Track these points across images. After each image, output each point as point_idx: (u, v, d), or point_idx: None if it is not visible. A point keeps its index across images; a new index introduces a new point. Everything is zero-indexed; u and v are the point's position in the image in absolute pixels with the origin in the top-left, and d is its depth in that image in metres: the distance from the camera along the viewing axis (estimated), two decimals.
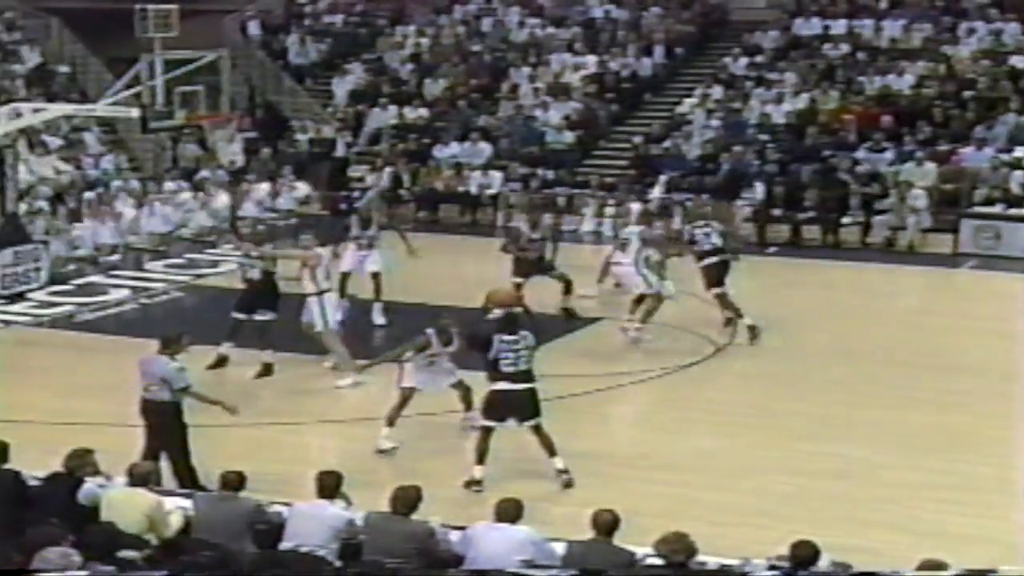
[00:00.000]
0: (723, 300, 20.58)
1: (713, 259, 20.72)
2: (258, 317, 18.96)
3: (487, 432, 15.05)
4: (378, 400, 17.23)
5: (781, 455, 16.05)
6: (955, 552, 10.77)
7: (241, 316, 19.08)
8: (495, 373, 15.04)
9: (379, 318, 21.59)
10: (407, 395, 16.16)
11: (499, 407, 15.03)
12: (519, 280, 21.53)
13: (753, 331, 20.29)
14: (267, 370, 18.81)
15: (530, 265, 21.74)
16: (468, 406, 16.51)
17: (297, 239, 19.81)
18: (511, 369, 15.02)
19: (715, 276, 20.62)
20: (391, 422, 16.06)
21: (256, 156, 33.33)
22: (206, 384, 16.15)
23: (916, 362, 19.71)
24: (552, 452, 15.05)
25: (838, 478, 15.21)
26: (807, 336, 18.91)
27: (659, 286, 20.43)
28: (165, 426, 14.32)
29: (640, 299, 20.63)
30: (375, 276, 21.73)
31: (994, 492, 14.75)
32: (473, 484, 14.73)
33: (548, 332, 20.80)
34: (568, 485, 14.83)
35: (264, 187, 31.62)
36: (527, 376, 15.09)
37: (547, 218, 24.97)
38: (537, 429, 15.10)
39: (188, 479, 14.04)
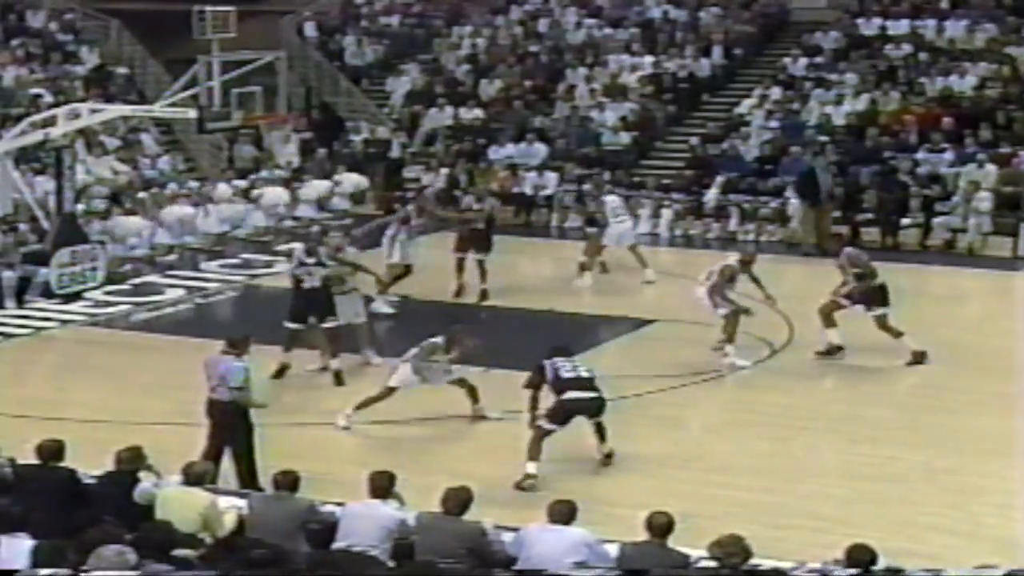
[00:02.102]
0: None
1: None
2: (325, 325, 18.67)
3: (547, 434, 15.08)
4: (431, 401, 17.22)
5: (838, 459, 16.00)
6: (1015, 558, 10.64)
7: (296, 326, 18.80)
8: (561, 385, 15.35)
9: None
10: (387, 394, 16.69)
11: (568, 413, 15.30)
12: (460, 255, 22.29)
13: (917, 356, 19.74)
14: (282, 371, 18.65)
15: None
16: (475, 399, 17.04)
17: (327, 238, 19.71)
18: (573, 375, 15.42)
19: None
20: (362, 407, 16.69)
21: (312, 157, 33.33)
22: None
23: (976, 365, 19.55)
24: (603, 439, 15.47)
25: (897, 482, 15.13)
26: (866, 339, 18.73)
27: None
28: (231, 426, 14.39)
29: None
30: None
31: None
32: (528, 479, 14.82)
33: (600, 332, 20.96)
34: (607, 464, 15.37)
35: (321, 184, 31.59)
36: (591, 383, 15.45)
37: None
38: (599, 425, 15.48)
39: (249, 479, 14.05)
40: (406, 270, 22.46)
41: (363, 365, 19.21)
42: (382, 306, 21.69)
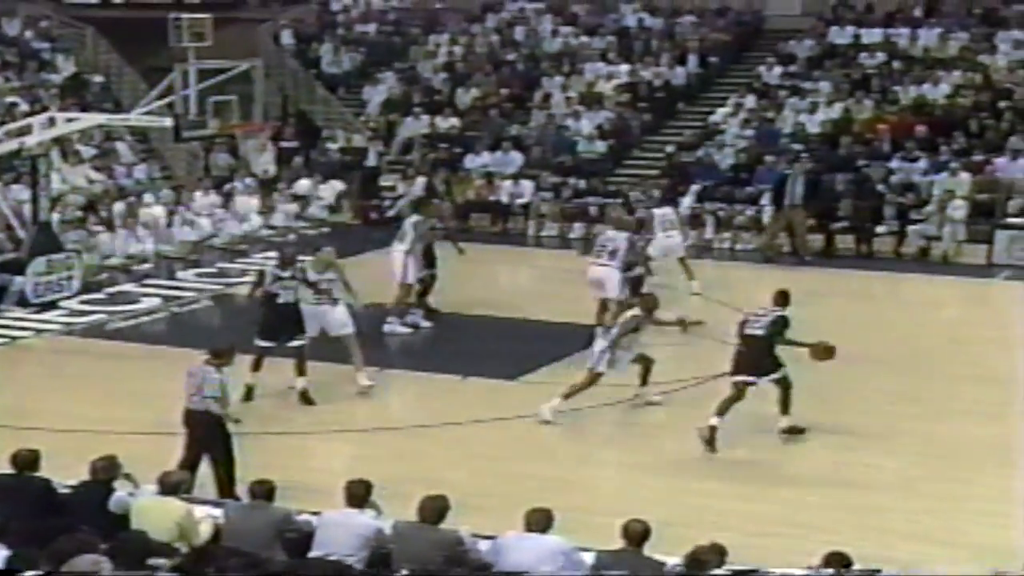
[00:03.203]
0: None
1: None
2: (293, 343, 18.21)
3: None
4: (408, 409, 17.21)
5: (815, 466, 16.04)
6: (992, 564, 10.66)
7: (267, 344, 18.24)
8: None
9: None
10: (593, 379, 17.31)
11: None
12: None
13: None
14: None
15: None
16: (645, 381, 17.81)
17: (319, 250, 19.50)
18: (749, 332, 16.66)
19: None
20: (570, 396, 17.14)
21: (288, 165, 33.29)
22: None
23: (952, 373, 19.58)
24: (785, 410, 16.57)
25: (873, 489, 15.15)
26: (841, 347, 18.68)
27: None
28: (208, 435, 14.32)
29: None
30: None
31: None
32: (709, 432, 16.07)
33: (578, 340, 20.91)
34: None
35: (304, 183, 31.53)
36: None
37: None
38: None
39: (228, 489, 14.01)
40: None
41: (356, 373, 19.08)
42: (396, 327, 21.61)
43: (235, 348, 15.04)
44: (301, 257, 19.15)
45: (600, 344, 17.47)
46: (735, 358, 16.70)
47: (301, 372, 18.09)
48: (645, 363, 17.80)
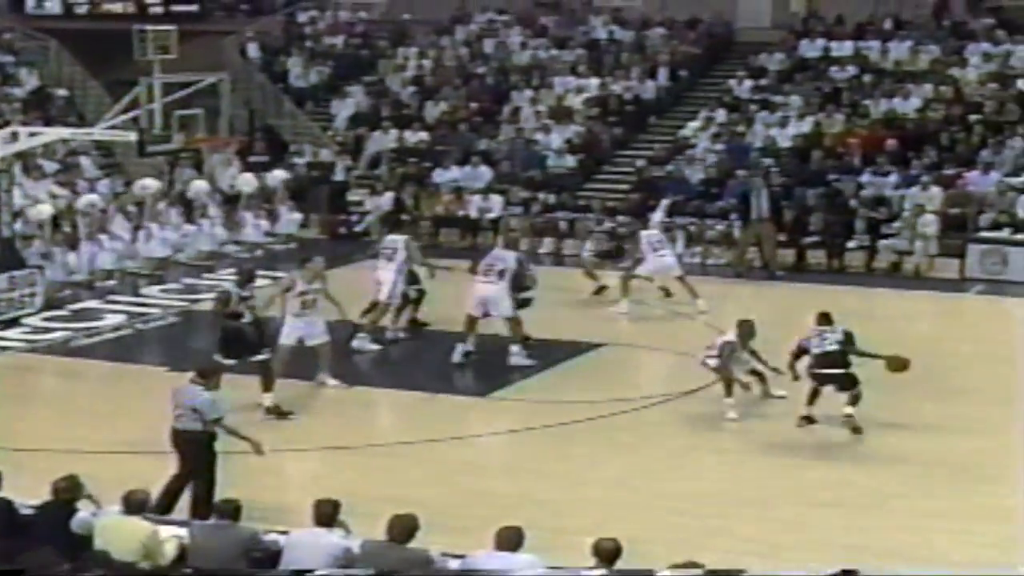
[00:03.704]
0: None
1: None
2: (256, 359, 18.11)
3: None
4: (377, 427, 17.08)
5: (788, 484, 15.93)
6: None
7: (228, 362, 17.79)
8: (812, 360, 17.47)
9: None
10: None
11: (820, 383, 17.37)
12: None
13: None
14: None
15: None
16: (764, 380, 18.41)
17: (305, 263, 19.47)
18: (820, 351, 17.38)
19: None
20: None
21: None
22: None
23: (924, 388, 19.38)
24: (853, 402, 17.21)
25: (846, 506, 15.07)
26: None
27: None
28: (196, 455, 14.18)
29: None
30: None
31: (1005, 522, 14.56)
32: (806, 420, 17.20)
33: (548, 357, 20.82)
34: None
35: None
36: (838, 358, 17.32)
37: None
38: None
39: (204, 508, 13.75)
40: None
41: (319, 387, 18.99)
42: (365, 344, 21.41)
43: (221, 369, 15.03)
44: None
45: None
46: (821, 378, 17.36)
47: (267, 388, 17.92)
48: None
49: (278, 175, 32.38)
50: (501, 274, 20.71)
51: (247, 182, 31.77)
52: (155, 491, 13.03)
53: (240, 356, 17.91)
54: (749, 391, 18.54)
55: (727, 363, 18.03)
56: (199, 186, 30.59)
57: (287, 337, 18.56)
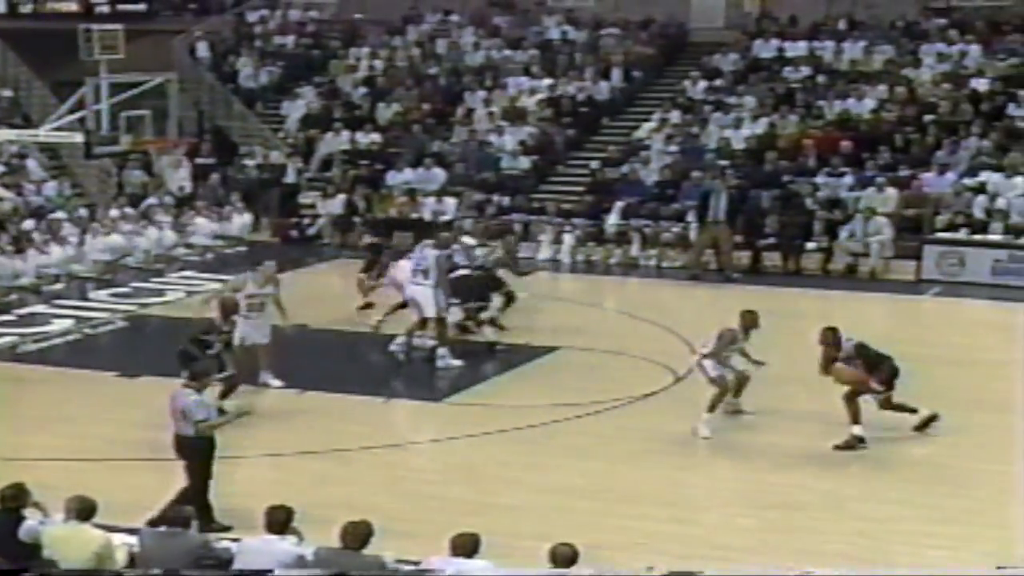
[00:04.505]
0: None
1: None
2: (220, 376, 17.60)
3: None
4: (330, 433, 16.87)
5: (744, 487, 15.92)
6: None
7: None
8: None
9: None
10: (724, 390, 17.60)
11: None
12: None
13: None
14: None
15: None
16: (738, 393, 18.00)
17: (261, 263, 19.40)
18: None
19: None
20: (712, 408, 17.41)
21: (205, 182, 32.75)
22: None
23: None
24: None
25: (804, 511, 15.03)
26: (769, 366, 18.51)
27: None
28: (194, 458, 14.04)
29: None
30: None
31: (963, 524, 14.60)
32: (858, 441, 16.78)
33: (503, 361, 20.67)
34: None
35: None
36: None
37: None
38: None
39: (202, 514, 13.52)
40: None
41: (261, 388, 18.85)
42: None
43: (210, 371, 14.96)
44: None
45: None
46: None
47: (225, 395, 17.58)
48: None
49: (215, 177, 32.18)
50: (426, 273, 20.52)
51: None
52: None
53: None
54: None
55: (720, 353, 17.63)
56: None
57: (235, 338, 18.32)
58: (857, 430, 16.98)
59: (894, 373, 17.25)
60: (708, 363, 17.60)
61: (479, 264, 22.45)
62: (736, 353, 17.88)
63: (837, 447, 16.87)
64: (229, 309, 17.98)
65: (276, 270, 19.48)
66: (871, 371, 17.15)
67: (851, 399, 17.13)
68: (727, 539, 14.08)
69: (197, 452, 14.02)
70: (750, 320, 17.96)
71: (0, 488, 11.76)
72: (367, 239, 28.05)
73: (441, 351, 20.52)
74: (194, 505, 13.50)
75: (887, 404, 17.29)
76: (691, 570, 11.31)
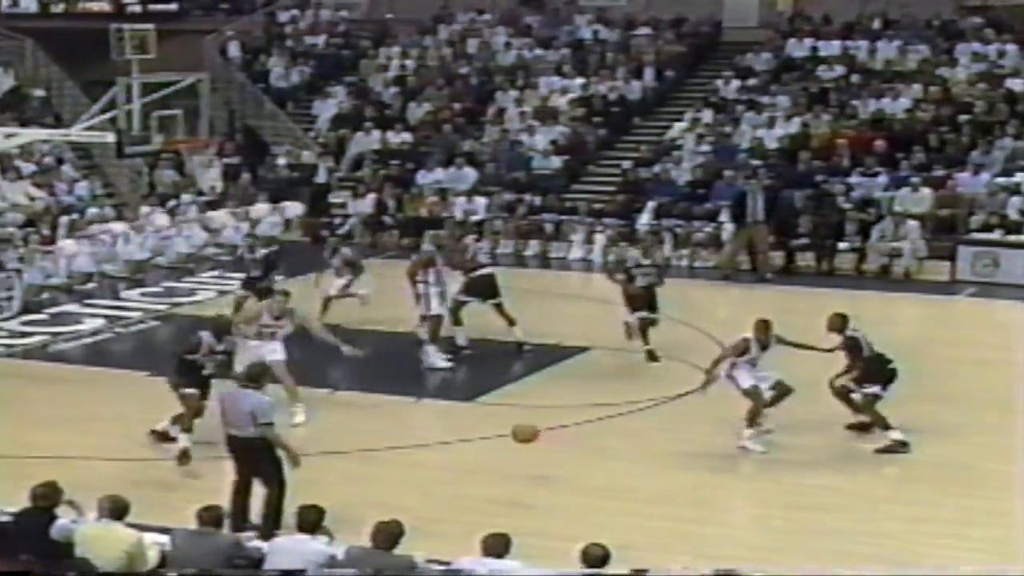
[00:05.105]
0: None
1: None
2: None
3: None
4: (361, 433, 16.84)
5: (773, 488, 15.87)
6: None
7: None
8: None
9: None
10: (760, 401, 16.99)
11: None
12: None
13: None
14: None
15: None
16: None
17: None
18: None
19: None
20: (753, 421, 16.92)
21: (235, 182, 32.77)
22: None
23: (914, 393, 19.14)
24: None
25: (835, 512, 14.99)
26: (801, 366, 18.42)
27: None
28: (259, 460, 13.86)
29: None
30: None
31: (995, 526, 14.50)
32: (900, 445, 16.72)
33: (534, 361, 20.60)
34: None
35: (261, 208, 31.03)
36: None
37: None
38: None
39: (276, 514, 13.62)
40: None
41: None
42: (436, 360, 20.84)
43: (268, 370, 14.87)
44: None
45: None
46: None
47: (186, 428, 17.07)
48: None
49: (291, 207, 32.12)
50: None
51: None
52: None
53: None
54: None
55: (732, 360, 17.31)
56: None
57: (241, 364, 16.89)
58: (895, 435, 16.90)
59: (889, 377, 17.25)
60: (739, 373, 17.22)
61: None
62: (756, 363, 17.32)
63: (878, 450, 16.88)
64: (222, 330, 16.96)
65: (289, 301, 18.36)
66: (854, 365, 17.27)
67: (854, 404, 17.45)
68: (757, 540, 14.10)
69: (266, 452, 13.83)
70: (763, 330, 17.31)
71: (32, 486, 11.80)
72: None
73: (430, 348, 20.50)
74: (277, 505, 13.65)
75: (840, 396, 17.56)
76: (728, 570, 11.27)
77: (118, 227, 27.89)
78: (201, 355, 16.43)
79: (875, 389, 17.18)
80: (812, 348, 17.83)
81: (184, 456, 15.87)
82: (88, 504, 11.87)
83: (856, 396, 17.42)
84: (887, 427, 17.05)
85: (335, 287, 22.36)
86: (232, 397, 14.14)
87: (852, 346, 17.39)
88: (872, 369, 17.28)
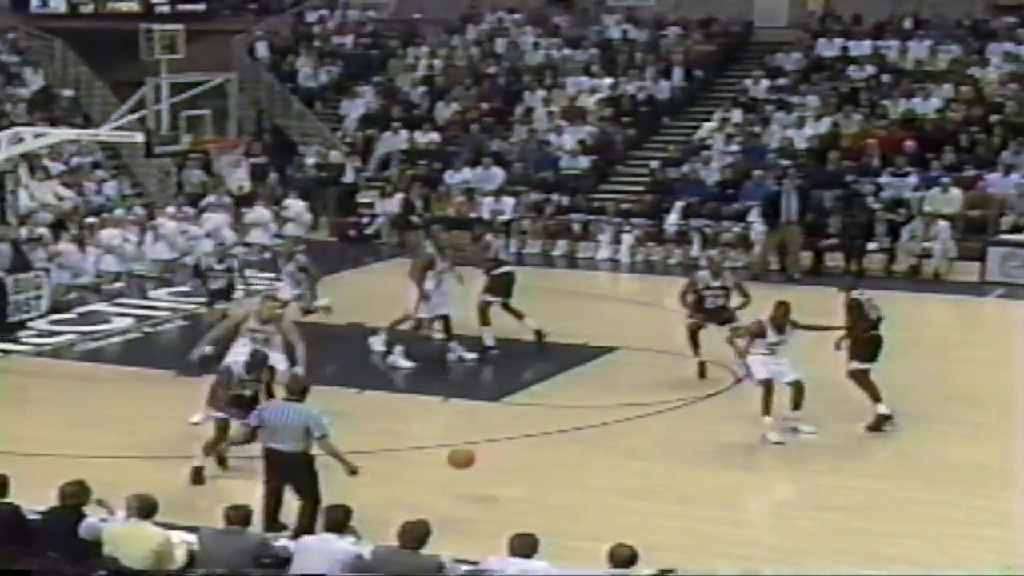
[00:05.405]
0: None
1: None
2: None
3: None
4: (388, 432, 16.84)
5: (802, 489, 15.91)
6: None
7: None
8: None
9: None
10: (768, 390, 17.19)
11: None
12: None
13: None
14: None
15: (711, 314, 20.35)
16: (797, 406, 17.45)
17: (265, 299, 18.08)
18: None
19: None
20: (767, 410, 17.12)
21: (263, 181, 32.80)
22: None
23: (942, 393, 19.36)
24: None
25: (861, 512, 14.93)
26: (830, 367, 18.36)
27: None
28: (300, 474, 13.64)
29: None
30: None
31: (1021, 528, 14.45)
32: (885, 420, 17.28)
33: (561, 361, 20.54)
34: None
35: (266, 213, 30.96)
36: None
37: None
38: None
39: (309, 525, 13.39)
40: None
41: None
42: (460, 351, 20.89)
43: (307, 380, 14.59)
44: None
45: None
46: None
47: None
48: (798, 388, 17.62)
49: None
50: None
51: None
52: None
53: None
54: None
55: (743, 339, 17.55)
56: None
57: (236, 364, 16.66)
58: (881, 408, 17.40)
59: (876, 344, 17.77)
60: (755, 362, 17.33)
61: None
62: (775, 351, 17.42)
63: (868, 428, 17.42)
64: (257, 361, 16.24)
65: (280, 309, 17.99)
66: (852, 328, 17.75)
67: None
68: (784, 541, 14.07)
69: (307, 467, 13.65)
70: (782, 313, 17.51)
71: (60, 485, 11.82)
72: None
73: (397, 348, 20.51)
74: (311, 515, 13.41)
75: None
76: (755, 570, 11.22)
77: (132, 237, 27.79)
78: (235, 385, 15.82)
79: (865, 365, 17.64)
80: (826, 328, 18.08)
81: (198, 475, 15.52)
82: (116, 503, 11.89)
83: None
84: (878, 399, 17.49)
85: (290, 295, 21.49)
86: (279, 412, 13.85)
87: (854, 307, 17.83)
88: (867, 346, 17.71)
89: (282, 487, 13.81)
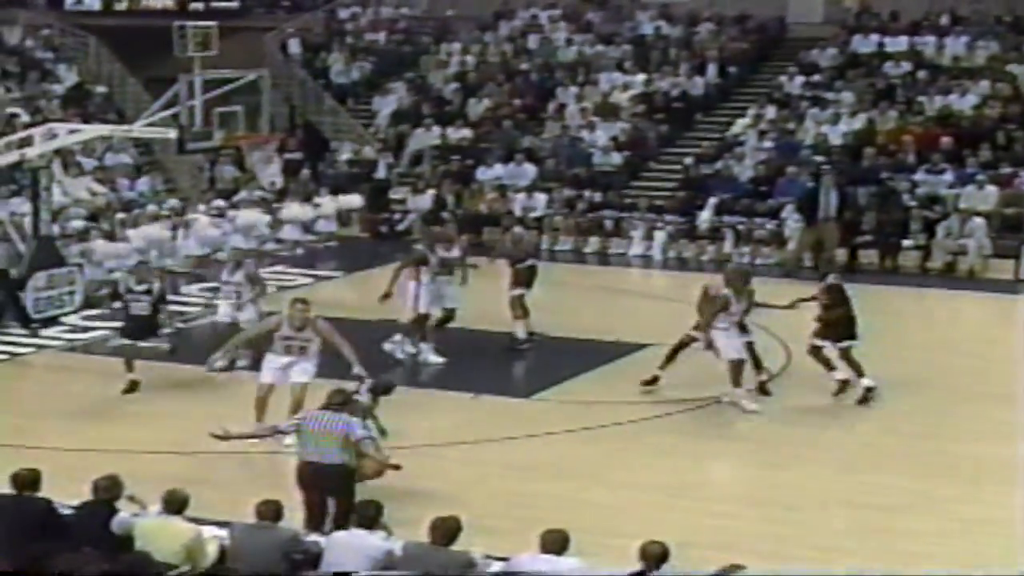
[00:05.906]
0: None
1: None
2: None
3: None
4: (418, 428, 16.84)
5: (837, 487, 15.74)
6: None
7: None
8: None
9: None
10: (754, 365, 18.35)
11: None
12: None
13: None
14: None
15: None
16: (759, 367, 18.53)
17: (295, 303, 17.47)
18: None
19: None
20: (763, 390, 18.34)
21: (296, 177, 32.83)
22: None
23: (977, 391, 19.30)
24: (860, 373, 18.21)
25: (898, 511, 14.86)
26: (865, 364, 18.27)
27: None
28: (341, 485, 13.31)
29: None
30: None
31: None
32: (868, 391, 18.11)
33: (593, 357, 20.48)
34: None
35: (302, 210, 30.95)
36: None
37: None
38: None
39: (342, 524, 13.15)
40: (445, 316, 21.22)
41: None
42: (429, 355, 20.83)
43: (348, 392, 14.43)
44: None
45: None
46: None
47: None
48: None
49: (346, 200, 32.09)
50: None
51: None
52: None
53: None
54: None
55: (709, 316, 18.17)
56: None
57: (265, 375, 16.78)
58: (866, 381, 18.29)
59: (850, 325, 18.56)
60: (719, 338, 18.03)
61: None
62: (741, 320, 18.16)
63: (858, 402, 18.29)
64: (382, 390, 16.26)
65: (309, 312, 16.92)
66: (831, 312, 18.51)
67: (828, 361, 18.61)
68: (819, 539, 13.94)
69: (347, 479, 13.37)
70: (735, 277, 18.43)
71: (93, 480, 11.89)
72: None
73: (396, 337, 20.66)
74: (344, 518, 13.13)
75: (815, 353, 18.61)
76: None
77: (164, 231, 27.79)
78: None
79: (851, 343, 18.46)
80: (789, 307, 19.33)
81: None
82: (149, 498, 11.89)
83: (831, 352, 18.48)
84: (861, 374, 18.32)
85: (225, 309, 21.59)
86: (316, 421, 13.54)
87: (835, 290, 18.60)
88: (847, 325, 18.52)
89: (325, 500, 13.39)
